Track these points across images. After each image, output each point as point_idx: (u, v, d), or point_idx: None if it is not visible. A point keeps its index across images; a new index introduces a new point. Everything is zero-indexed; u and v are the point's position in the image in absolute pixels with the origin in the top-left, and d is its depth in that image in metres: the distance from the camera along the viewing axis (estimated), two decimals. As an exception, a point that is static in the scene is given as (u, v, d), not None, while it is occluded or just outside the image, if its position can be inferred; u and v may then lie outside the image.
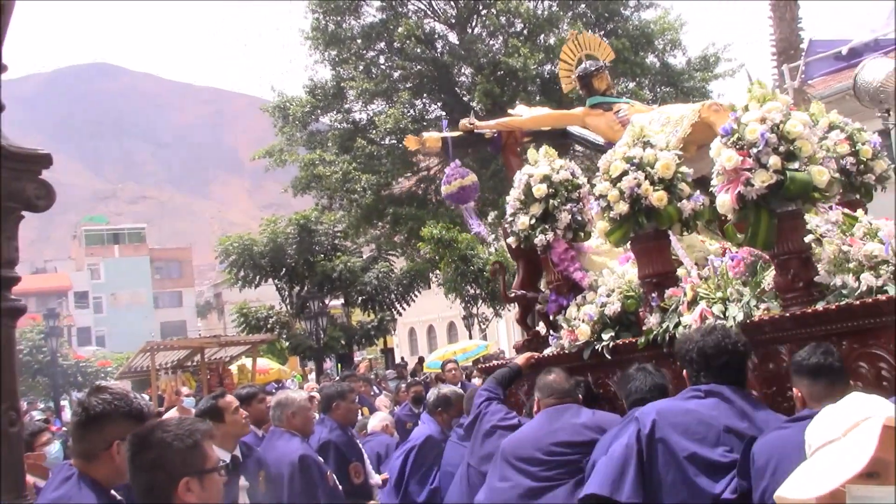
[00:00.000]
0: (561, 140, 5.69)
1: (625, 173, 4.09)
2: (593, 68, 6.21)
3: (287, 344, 24.84)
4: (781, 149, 3.42)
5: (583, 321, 4.47)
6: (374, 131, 23.70)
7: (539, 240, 4.88)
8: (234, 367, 17.27)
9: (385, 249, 26.69)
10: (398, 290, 26.27)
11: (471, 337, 25.13)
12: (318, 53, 24.69)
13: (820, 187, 3.40)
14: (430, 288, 27.44)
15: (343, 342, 25.30)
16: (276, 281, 25.44)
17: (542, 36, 23.47)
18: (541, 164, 5.01)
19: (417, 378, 13.76)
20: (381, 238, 26.43)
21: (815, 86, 14.72)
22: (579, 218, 4.87)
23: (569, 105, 7.72)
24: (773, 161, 3.39)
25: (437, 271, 23.74)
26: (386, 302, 26.24)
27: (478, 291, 22.14)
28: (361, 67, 24.23)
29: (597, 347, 4.37)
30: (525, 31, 23.51)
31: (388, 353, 33.31)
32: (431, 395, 6.14)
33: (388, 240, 26.27)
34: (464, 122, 6.39)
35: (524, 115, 6.56)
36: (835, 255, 3.32)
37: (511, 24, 23.72)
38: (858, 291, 3.21)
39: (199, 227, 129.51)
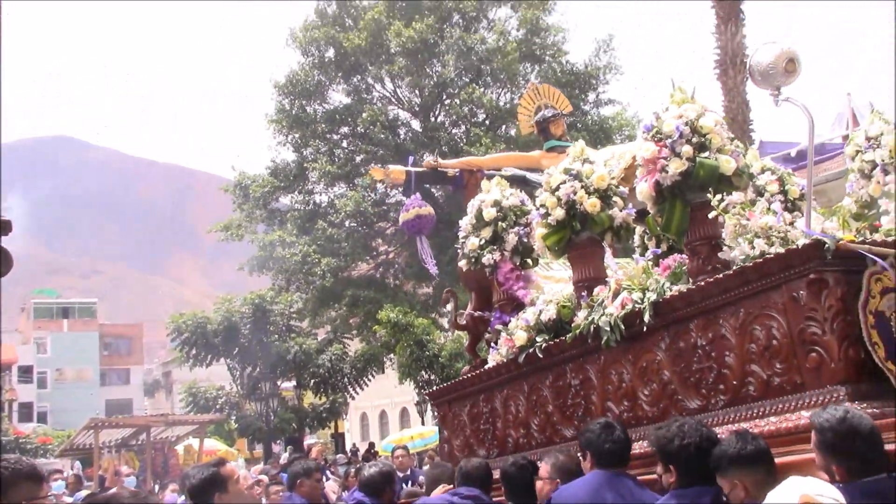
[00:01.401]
0: (521, 186, 5.90)
1: (563, 183, 4.48)
2: (550, 115, 6.73)
3: (236, 425, 24.25)
4: (694, 140, 3.79)
5: (520, 328, 4.74)
6: (334, 214, 23.71)
7: (487, 259, 5.24)
8: (180, 448, 16.78)
9: (340, 332, 26.43)
10: (352, 373, 25.95)
11: (423, 423, 24.76)
12: (281, 136, 24.83)
13: (727, 174, 3.73)
14: (384, 372, 27.14)
15: (294, 425, 24.78)
16: (227, 360, 24.97)
17: (504, 127, 23.92)
18: (493, 191, 5.43)
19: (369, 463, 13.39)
20: (336, 320, 26.19)
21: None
22: (526, 241, 5.19)
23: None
24: (686, 150, 3.76)
25: (393, 355, 23.50)
26: (339, 385, 25.86)
27: (433, 377, 21.92)
28: (324, 150, 24.38)
29: (530, 350, 4.62)
30: (487, 122, 23.95)
31: (338, 437, 32.70)
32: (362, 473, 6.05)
33: (344, 322, 26.04)
34: (428, 159, 6.83)
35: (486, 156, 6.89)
36: (735, 227, 3.59)
37: (474, 113, 24.16)
38: (752, 256, 3.45)
39: (151, 304, 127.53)
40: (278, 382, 25.74)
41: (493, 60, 23.55)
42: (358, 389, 26.40)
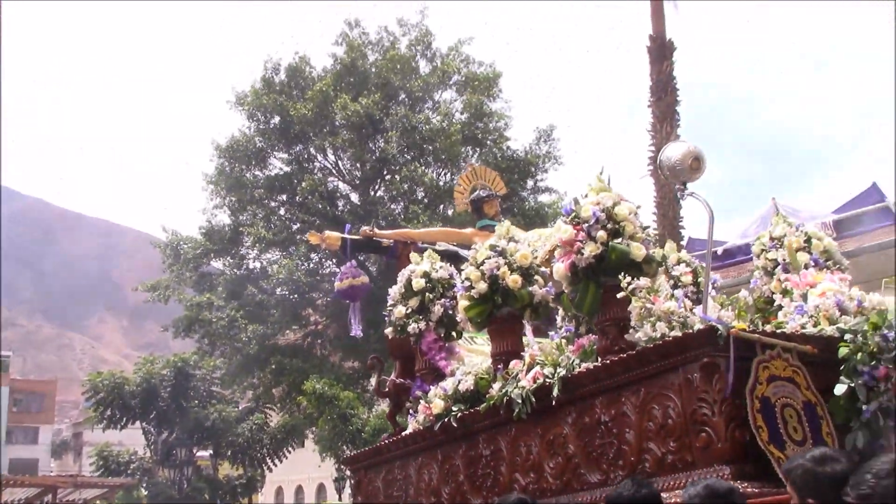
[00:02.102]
0: (452, 261, 6.10)
1: (488, 258, 4.71)
2: (485, 195, 7.07)
3: (146, 492, 23.42)
4: (609, 226, 4.04)
5: (438, 396, 4.89)
6: (266, 280, 23.57)
7: (412, 328, 5.42)
8: (85, 513, 16.16)
9: (263, 401, 25.98)
10: (271, 444, 25.43)
11: (340, 499, 24.31)
12: (218, 198, 24.76)
13: (637, 261, 3.95)
14: (304, 445, 26.66)
15: (207, 495, 24.04)
16: (143, 424, 24.26)
17: (442, 206, 24.31)
18: (423, 263, 5.65)
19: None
20: (260, 389, 25.77)
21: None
22: (451, 313, 5.37)
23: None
24: (601, 235, 4.01)
25: (315, 428, 23.16)
26: (257, 456, 25.28)
27: (355, 452, 21.59)
28: (261, 216, 24.37)
29: (445, 419, 4.75)
30: (425, 200, 24.29)
31: (252, 511, 31.71)
32: None
33: (267, 391, 25.63)
34: (365, 229, 7.03)
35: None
36: (640, 310, 3.79)
37: (413, 191, 24.49)
38: (653, 338, 3.64)
39: (67, 362, 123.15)
40: (194, 450, 25.04)
41: (436, 140, 24.02)
42: (276, 462, 25.83)
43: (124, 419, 23.83)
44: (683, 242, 19.07)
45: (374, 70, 25.05)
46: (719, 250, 15.76)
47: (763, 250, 4.80)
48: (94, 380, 24.08)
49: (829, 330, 3.68)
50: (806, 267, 4.50)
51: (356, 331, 6.57)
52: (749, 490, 2.97)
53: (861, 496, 2.33)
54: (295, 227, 24.58)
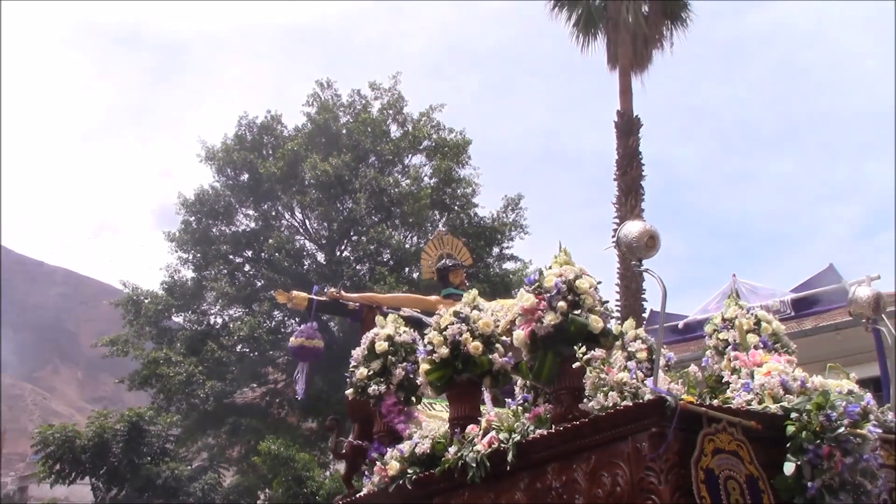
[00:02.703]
0: (416, 326, 6.21)
1: (451, 324, 4.82)
2: (451, 264, 7.26)
3: (90, 552, 22.76)
4: (570, 297, 4.19)
5: (394, 458, 4.94)
6: (227, 336, 23.39)
7: (372, 389, 5.47)
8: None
9: (217, 461, 25.52)
10: (223, 505, 24.90)
11: (292, 566, 23.74)
12: (182, 252, 24.68)
13: (595, 332, 4.11)
14: (255, 508, 26.13)
15: (154, 557, 23.40)
16: (93, 479, 23.67)
17: (408, 269, 24.43)
18: (387, 327, 5.72)
19: None
20: (215, 448, 25.34)
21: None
22: (412, 377, 5.43)
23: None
24: (561, 305, 4.15)
25: (269, 490, 22.75)
26: (208, 518, 24.72)
27: (307, 517, 21.25)
28: (225, 271, 24.30)
29: (400, 482, 4.80)
30: (391, 262, 24.41)
31: (200, 574, 30.81)
32: None
33: (222, 451, 25.20)
34: (331, 290, 7.12)
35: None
36: (595, 380, 3.90)
37: (379, 252, 24.62)
38: (605, 406, 3.75)
39: (17, 413, 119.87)
40: (143, 508, 24.42)
41: (405, 204, 24.27)
42: (227, 523, 25.27)
43: (73, 474, 23.24)
44: (645, 315, 19.34)
45: (344, 131, 25.38)
46: (680, 324, 15.98)
47: (715, 330, 4.99)
48: (45, 432, 23.53)
49: (773, 407, 3.82)
50: (756, 348, 4.67)
51: (300, 391, 6.62)
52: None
53: None
54: (259, 283, 24.52)
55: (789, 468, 3.47)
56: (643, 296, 20.34)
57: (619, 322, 5.00)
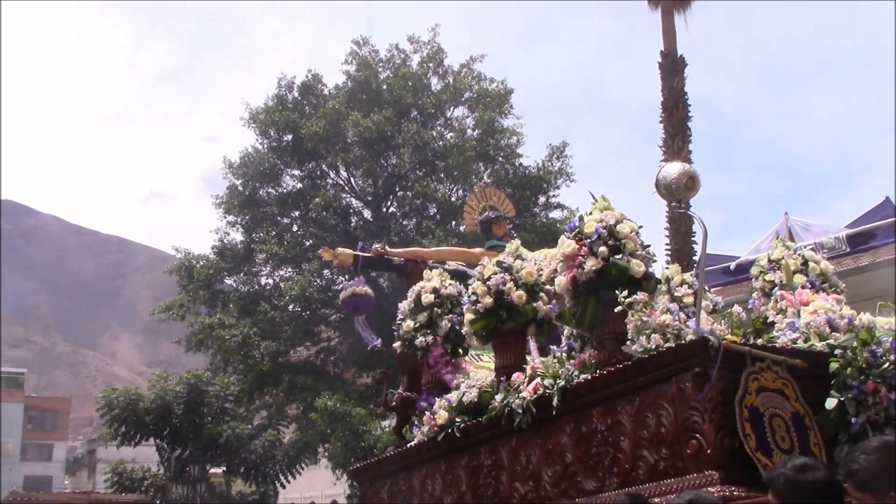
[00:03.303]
0: (461, 279, 6.27)
1: (494, 274, 4.87)
2: (494, 216, 7.26)
3: (160, 509, 23.54)
4: (611, 242, 4.19)
5: (442, 408, 5.03)
6: (278, 297, 23.71)
7: (420, 341, 5.56)
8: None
9: (276, 418, 26.07)
10: (284, 461, 25.49)
11: (355, 517, 24.32)
12: (231, 216, 24.96)
13: (637, 277, 4.10)
14: (316, 463, 26.71)
15: (220, 512, 24.14)
16: (157, 440, 24.40)
17: (454, 222, 24.43)
18: (433, 280, 5.80)
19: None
20: (273, 406, 25.86)
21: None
22: (458, 329, 5.49)
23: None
24: (602, 250, 4.16)
25: (327, 445, 23.21)
26: (270, 473, 25.35)
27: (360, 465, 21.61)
28: (274, 233, 24.54)
29: (449, 430, 4.90)
30: (438, 216, 24.40)
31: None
32: None
33: (280, 409, 25.71)
34: (377, 246, 7.22)
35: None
36: (637, 324, 3.92)
37: (425, 207, 24.62)
38: (648, 349, 3.77)
39: (82, 379, 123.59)
40: (207, 467, 25.14)
41: (449, 157, 24.17)
42: (289, 479, 25.90)
43: (138, 436, 23.98)
44: (696, 257, 19.13)
45: (385, 87, 25.27)
46: (732, 265, 15.81)
47: (761, 272, 4.93)
48: (109, 396, 24.27)
49: (819, 346, 3.79)
50: (803, 288, 4.61)
51: (373, 342, 6.71)
52: (736, 494, 3.07)
53: (849, 472, 2.48)
54: (307, 243, 24.72)
55: (831, 403, 3.46)
56: (693, 238, 20.09)
57: (666, 266, 4.97)
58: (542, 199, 25.72)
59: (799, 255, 4.96)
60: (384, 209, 25.46)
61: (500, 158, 25.39)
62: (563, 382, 4.13)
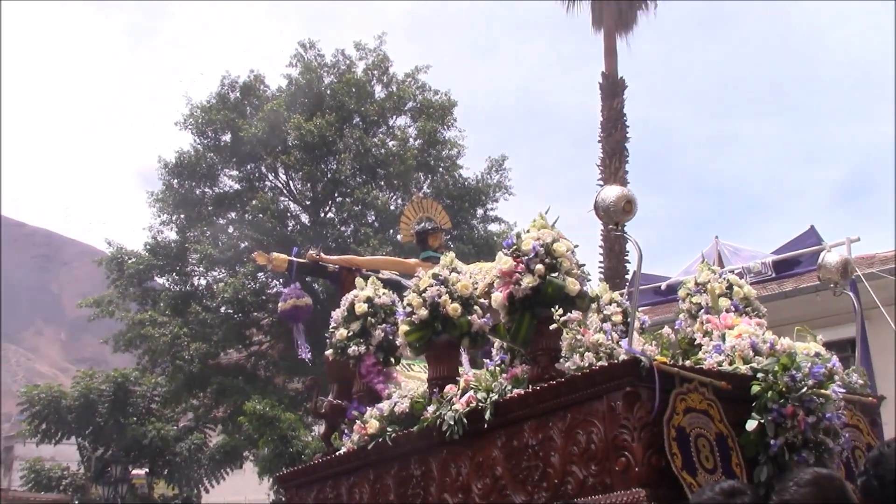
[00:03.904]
0: (394, 289, 6.33)
1: (430, 286, 4.93)
2: (430, 227, 7.32)
3: (78, 510, 22.96)
4: (547, 260, 4.31)
5: (374, 417, 5.08)
6: (210, 298, 23.39)
7: (352, 350, 5.59)
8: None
9: (203, 421, 25.68)
10: (209, 465, 25.12)
11: (275, 524, 24.05)
12: (165, 214, 24.55)
13: (571, 295, 4.23)
14: (241, 468, 26.38)
15: (140, 515, 23.65)
16: (79, 439, 23.82)
17: (392, 230, 24.44)
18: (367, 289, 5.86)
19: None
20: (200, 409, 25.46)
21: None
22: (391, 339, 5.56)
23: None
24: (539, 268, 4.28)
25: (254, 450, 22.95)
26: (194, 477, 24.95)
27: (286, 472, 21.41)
28: (209, 233, 24.21)
29: (380, 440, 4.95)
30: (376, 223, 24.39)
31: (186, 532, 31.18)
32: None
33: (208, 411, 25.33)
34: (311, 252, 7.21)
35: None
36: (571, 341, 4.03)
37: (364, 214, 24.58)
38: (581, 367, 3.88)
39: (1, 374, 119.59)
40: (130, 468, 24.61)
41: (390, 165, 24.18)
42: (213, 483, 25.52)
43: (59, 434, 23.39)
44: (628, 276, 19.51)
45: (328, 92, 25.18)
46: (663, 285, 16.14)
47: (688, 294, 5.13)
48: (30, 392, 23.63)
49: (743, 369, 3.95)
50: (727, 311, 4.80)
51: (304, 353, 6.71)
52: (662, 513, 3.19)
53: (781, 502, 2.53)
54: (243, 245, 24.45)
55: (752, 425, 3.62)
56: (626, 258, 20.52)
57: (601, 282, 5.10)
58: (480, 212, 25.88)
59: (724, 279, 5.16)
60: (322, 214, 25.33)
61: (441, 169, 25.50)
62: (495, 396, 4.21)
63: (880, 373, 11.26)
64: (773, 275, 14.07)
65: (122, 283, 24.15)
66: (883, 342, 12.05)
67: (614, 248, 20.51)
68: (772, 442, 3.57)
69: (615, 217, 3.99)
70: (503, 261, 4.43)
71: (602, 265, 20.44)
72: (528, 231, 4.53)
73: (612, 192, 4.02)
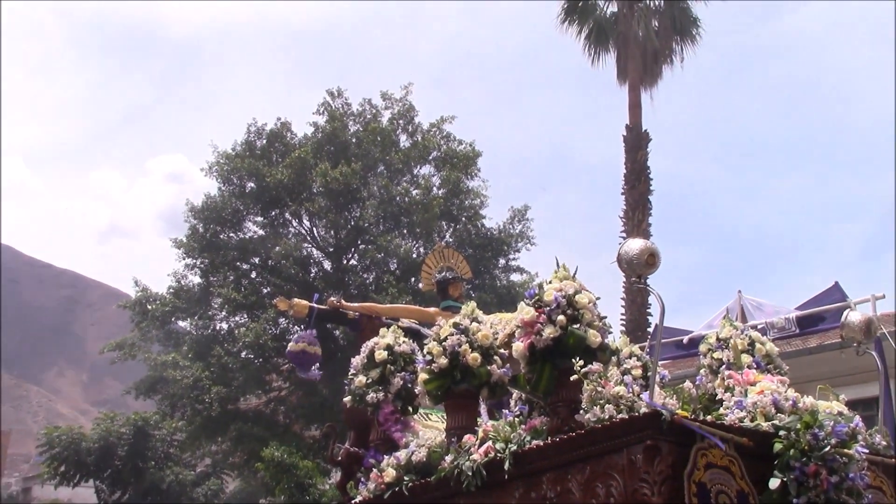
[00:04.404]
0: (414, 338, 6.34)
1: (451, 335, 4.94)
2: (451, 276, 7.36)
3: (93, 553, 22.87)
4: (569, 311, 4.31)
5: (390, 465, 5.03)
6: (232, 342, 23.48)
7: (371, 397, 5.58)
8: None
9: (220, 467, 25.61)
10: (226, 510, 25.02)
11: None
12: (190, 258, 24.79)
13: (593, 347, 4.23)
14: (258, 514, 26.21)
15: (156, 560, 23.53)
16: (97, 482, 23.82)
17: (413, 279, 24.49)
18: (387, 336, 5.85)
19: None
20: (218, 454, 25.41)
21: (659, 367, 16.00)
22: (410, 387, 5.54)
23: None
24: (560, 319, 4.28)
25: (271, 497, 22.82)
26: (210, 522, 24.85)
27: (310, 525, 21.30)
28: (232, 278, 24.39)
29: (396, 489, 4.89)
30: (398, 272, 24.48)
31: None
32: None
33: (226, 457, 25.27)
34: (332, 299, 7.23)
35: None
36: (591, 393, 4.00)
37: (386, 262, 24.69)
38: (601, 419, 3.85)
39: (22, 414, 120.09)
40: (146, 512, 24.56)
41: (414, 213, 24.35)
42: (229, 528, 25.40)
43: (77, 476, 23.42)
44: (650, 329, 19.39)
45: (354, 140, 25.50)
46: (685, 339, 15.99)
47: (710, 349, 5.11)
48: (51, 434, 23.73)
49: (765, 426, 3.92)
50: (749, 367, 4.78)
51: (317, 376, 6.77)
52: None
53: None
54: (265, 290, 24.60)
55: (774, 483, 3.58)
56: (648, 310, 20.42)
57: (622, 335, 5.09)
58: (502, 262, 25.96)
59: (746, 335, 5.14)
60: (345, 261, 25.48)
61: (464, 218, 25.63)
62: (514, 447, 4.20)
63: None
64: (797, 331, 13.91)
65: (146, 325, 24.35)
66: (909, 402, 11.86)
67: (636, 301, 20.42)
68: (794, 501, 3.53)
69: (638, 270, 4.00)
70: (525, 311, 4.44)
71: (624, 317, 20.34)
72: (550, 282, 4.55)
73: (635, 245, 4.04)
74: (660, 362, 5.26)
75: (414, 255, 24.72)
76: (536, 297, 4.46)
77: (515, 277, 25.92)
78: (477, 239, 24.99)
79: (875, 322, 5.03)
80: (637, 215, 21.09)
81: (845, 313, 5.16)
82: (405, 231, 25.25)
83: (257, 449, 21.84)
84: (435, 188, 25.77)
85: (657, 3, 22.07)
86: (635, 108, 21.71)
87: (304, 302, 7.17)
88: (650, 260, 4.03)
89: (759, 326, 12.38)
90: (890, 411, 10.51)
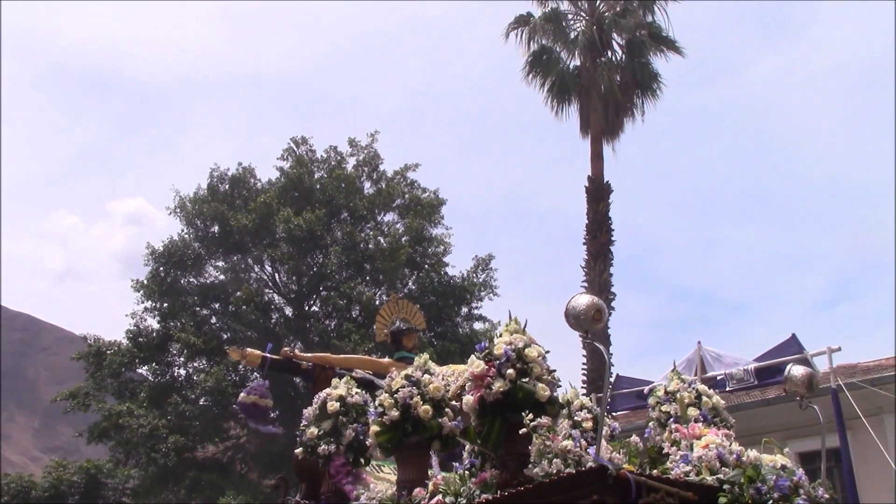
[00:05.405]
0: (367, 388, 6.32)
1: (403, 387, 4.98)
2: (404, 328, 7.43)
3: None
4: (519, 365, 4.36)
5: None
6: (190, 389, 23.12)
7: (322, 449, 5.54)
8: None
9: (174, 517, 25.00)
10: (179, 562, 24.36)
11: None
12: (150, 302, 24.47)
13: (542, 401, 4.25)
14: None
15: None
16: (45, 532, 23.16)
17: (375, 326, 24.31)
18: (340, 387, 5.83)
19: None
20: (173, 503, 24.84)
21: (618, 418, 16.04)
22: (362, 439, 5.52)
23: None
24: (510, 372, 4.32)
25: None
26: (163, 575, 24.17)
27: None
28: (192, 323, 24.10)
29: None
30: (360, 318, 24.36)
31: None
32: None
33: (180, 507, 24.70)
34: (285, 349, 7.22)
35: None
36: (540, 447, 4.05)
37: (348, 308, 24.58)
38: (549, 473, 3.89)
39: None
40: (96, 564, 23.91)
41: (377, 260, 24.33)
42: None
43: (24, 526, 22.77)
44: (611, 379, 19.47)
45: (318, 186, 25.53)
46: (645, 389, 16.08)
47: (658, 402, 5.18)
48: (-1, 482, 23.08)
49: (710, 479, 3.98)
50: (696, 421, 4.85)
51: (274, 429, 6.72)
52: None
53: None
54: (226, 336, 24.33)
55: None
56: (611, 361, 20.49)
57: (583, 389, 5.14)
58: (464, 310, 25.95)
59: (693, 388, 5.22)
60: (307, 307, 25.34)
61: (427, 266, 25.66)
62: (464, 501, 4.21)
63: (862, 482, 11.19)
64: (756, 382, 14.08)
65: (101, 374, 23.82)
66: (865, 452, 12.00)
67: (597, 351, 20.50)
68: (739, 554, 3.59)
69: (585, 325, 4.07)
70: (475, 364, 4.49)
71: (585, 367, 20.41)
72: (500, 335, 4.60)
73: (582, 301, 4.12)
74: (619, 412, 5.31)
75: (377, 302, 24.61)
76: (487, 351, 4.50)
77: (478, 326, 25.92)
78: (440, 287, 25.01)
79: (816, 377, 5.14)
80: (598, 265, 21.26)
81: (788, 367, 5.28)
82: (368, 278, 25.21)
83: (213, 498, 21.43)
84: (400, 236, 25.79)
85: (619, 57, 22.57)
86: (597, 159, 22.03)
87: (257, 352, 7.16)
88: (597, 315, 4.10)
89: (718, 377, 12.54)
90: (848, 460, 10.64)
